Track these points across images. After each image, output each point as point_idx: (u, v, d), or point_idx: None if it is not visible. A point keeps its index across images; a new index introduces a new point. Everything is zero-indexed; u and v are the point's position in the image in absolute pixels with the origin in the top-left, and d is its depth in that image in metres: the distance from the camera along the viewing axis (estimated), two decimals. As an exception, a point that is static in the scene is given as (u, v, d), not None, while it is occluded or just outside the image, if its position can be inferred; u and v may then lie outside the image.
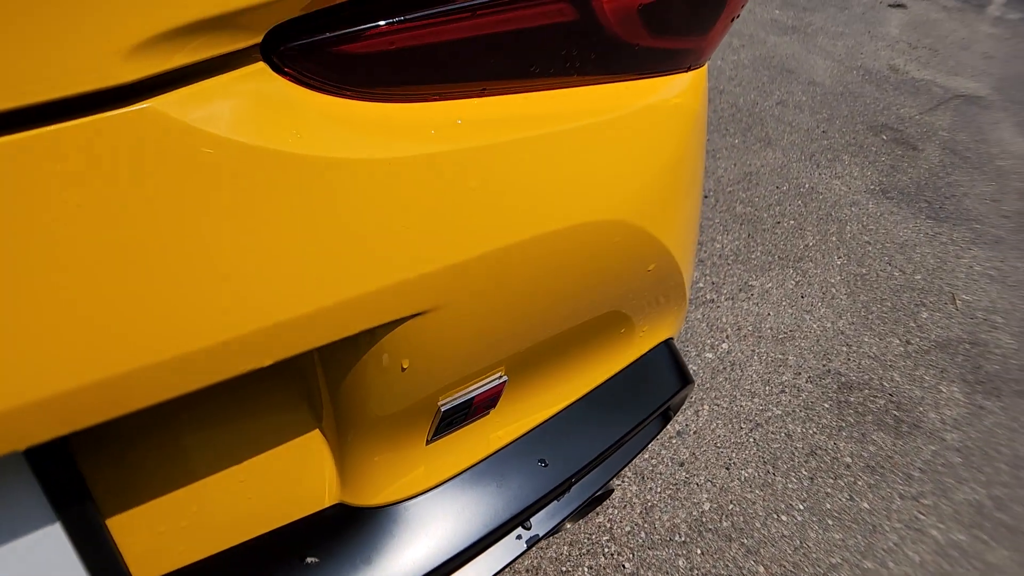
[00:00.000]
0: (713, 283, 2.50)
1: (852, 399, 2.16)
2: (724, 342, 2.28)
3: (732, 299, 2.45)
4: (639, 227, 0.73)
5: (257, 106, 0.47)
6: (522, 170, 0.61)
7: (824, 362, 2.27)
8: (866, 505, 1.85)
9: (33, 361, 0.41)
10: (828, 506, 1.83)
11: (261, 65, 0.48)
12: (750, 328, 2.35)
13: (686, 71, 0.80)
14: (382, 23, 0.51)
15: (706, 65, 0.87)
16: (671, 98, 0.77)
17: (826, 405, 2.12)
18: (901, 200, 3.19)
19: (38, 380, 0.42)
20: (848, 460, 1.96)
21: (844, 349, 2.33)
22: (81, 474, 0.58)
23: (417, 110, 0.56)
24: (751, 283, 2.54)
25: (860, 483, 1.91)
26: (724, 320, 2.36)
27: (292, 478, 0.73)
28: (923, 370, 2.31)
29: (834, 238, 2.86)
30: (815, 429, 2.04)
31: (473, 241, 0.58)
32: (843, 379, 2.22)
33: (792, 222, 2.90)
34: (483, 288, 0.61)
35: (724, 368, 2.19)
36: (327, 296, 0.51)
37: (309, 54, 0.50)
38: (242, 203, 0.46)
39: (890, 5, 5.99)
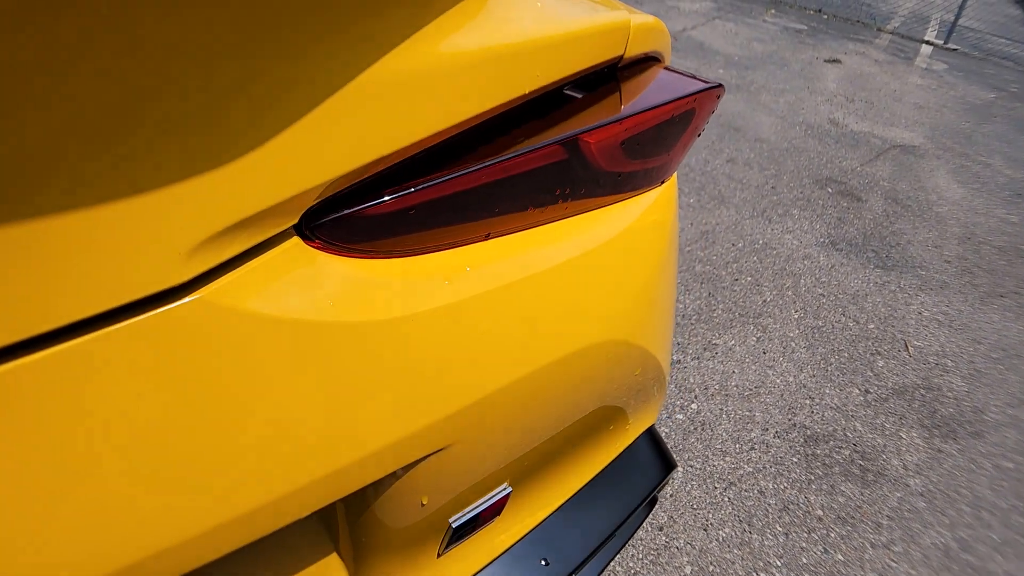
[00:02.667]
0: (679, 344, 2.59)
1: (819, 451, 2.25)
2: (693, 402, 2.36)
3: (698, 359, 2.54)
4: (629, 342, 0.81)
5: (291, 279, 0.53)
6: (527, 307, 0.68)
7: (789, 416, 2.36)
8: (840, 556, 1.92)
9: (92, 538, 0.46)
10: (804, 560, 1.90)
11: (295, 240, 0.55)
12: (717, 387, 2.44)
13: (660, 184, 0.89)
14: (399, 193, 0.59)
15: (675, 174, 0.97)
16: (649, 213, 0.85)
17: (794, 459, 2.21)
18: (850, 251, 3.35)
19: (97, 559, 0.46)
20: (820, 513, 2.04)
21: (807, 402, 2.43)
22: None
23: (432, 260, 0.63)
24: (715, 342, 2.64)
25: (833, 535, 1.98)
26: (692, 380, 2.45)
27: None
28: (883, 418, 2.42)
29: (790, 292, 2.99)
30: (786, 484, 2.12)
31: (486, 381, 0.65)
32: (808, 432, 2.31)
33: (749, 278, 3.03)
34: (493, 421, 0.68)
35: (695, 428, 2.26)
36: (363, 448, 0.57)
37: (335, 224, 0.56)
38: (287, 372, 0.52)
39: (826, 61, 6.32)
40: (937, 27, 8.48)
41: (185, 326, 0.47)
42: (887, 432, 2.36)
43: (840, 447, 2.27)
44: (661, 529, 1.92)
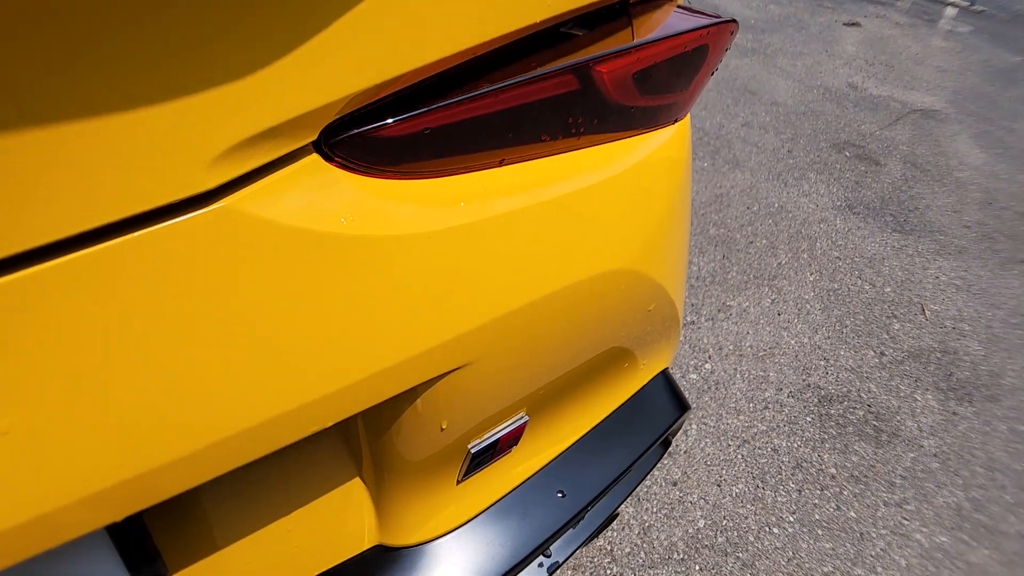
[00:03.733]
0: (693, 305, 2.59)
1: (833, 411, 2.24)
2: (707, 362, 2.36)
3: (712, 320, 2.54)
4: (642, 273, 0.81)
5: (312, 194, 0.54)
6: (542, 231, 0.68)
7: (804, 377, 2.36)
8: (853, 514, 1.93)
9: (122, 441, 0.47)
10: (817, 517, 1.90)
11: (314, 157, 0.55)
12: (731, 347, 2.43)
13: (673, 123, 0.88)
14: (416, 112, 0.59)
15: (689, 114, 0.96)
16: (662, 150, 0.85)
17: (808, 419, 2.21)
18: (867, 215, 3.32)
19: (123, 461, 0.47)
20: (833, 471, 2.05)
21: (822, 363, 2.43)
22: (152, 539, 0.63)
23: (448, 184, 0.63)
24: (729, 303, 2.63)
25: (846, 493, 1.99)
26: (706, 341, 2.44)
27: (335, 525, 0.79)
28: (898, 380, 2.41)
29: (805, 255, 2.96)
30: (799, 443, 2.12)
31: (502, 300, 0.65)
32: (823, 392, 2.31)
33: (764, 241, 3.01)
34: (510, 341, 0.68)
35: (709, 387, 2.27)
36: (383, 361, 0.57)
37: (354, 142, 0.56)
38: (306, 282, 0.52)
39: (845, 24, 6.20)
40: (960, -9, 8.30)
41: (209, 234, 0.48)
42: (902, 394, 2.35)
43: (854, 407, 2.27)
44: (675, 484, 1.93)
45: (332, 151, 0.55)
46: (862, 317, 2.67)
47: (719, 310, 2.59)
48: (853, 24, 6.24)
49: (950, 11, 7.26)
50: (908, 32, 6.26)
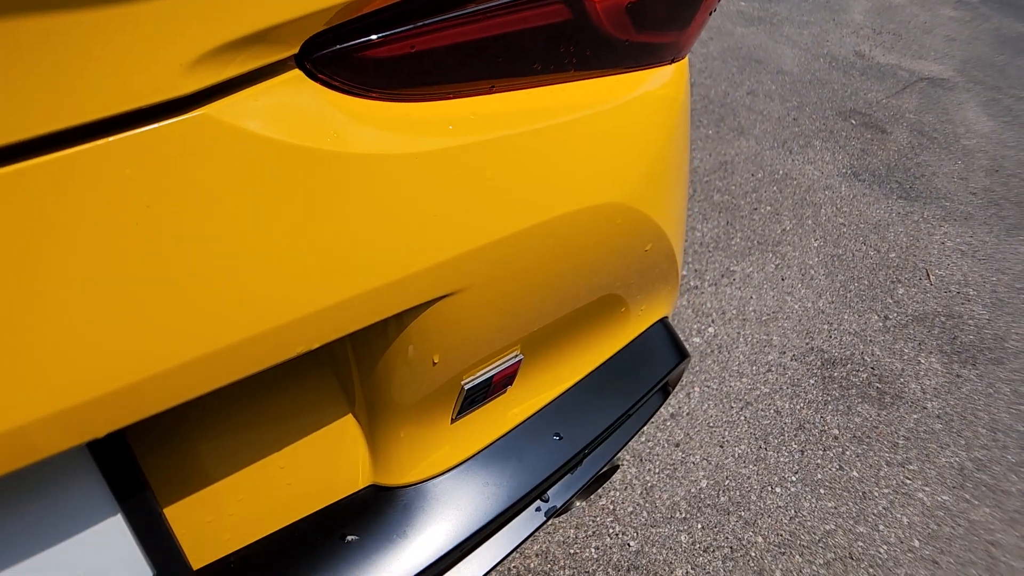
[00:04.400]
0: (696, 270, 2.58)
1: (836, 374, 2.24)
2: (710, 326, 2.36)
3: (715, 285, 2.53)
4: (637, 209, 0.80)
5: (295, 110, 0.53)
6: (533, 159, 0.67)
7: (807, 340, 2.35)
8: (855, 474, 1.93)
9: (95, 355, 0.46)
10: (819, 476, 1.91)
11: (296, 72, 0.54)
12: (734, 312, 2.43)
13: (670, 63, 0.87)
14: (401, 28, 0.58)
15: (687, 58, 0.95)
16: (659, 88, 0.84)
17: (811, 381, 2.21)
18: (873, 182, 3.30)
19: (99, 375, 0.47)
20: (836, 432, 2.05)
21: (826, 327, 2.42)
22: (140, 466, 0.63)
23: (436, 108, 0.62)
24: (732, 268, 2.62)
25: (848, 453, 1.99)
26: (709, 305, 2.44)
27: (328, 463, 0.79)
28: (902, 343, 2.40)
29: (810, 221, 2.95)
30: (802, 404, 2.12)
31: (493, 226, 0.64)
32: (826, 356, 2.31)
33: (769, 208, 2.99)
34: (501, 270, 0.68)
35: (712, 351, 2.26)
36: (369, 281, 0.57)
37: (338, 61, 0.56)
38: (288, 198, 0.52)
39: (852, -8, 6.12)
40: (970, -41, 8.18)
41: (186, 141, 0.47)
42: (906, 357, 2.35)
43: (858, 370, 2.27)
44: (677, 445, 1.94)
45: (316, 68, 0.55)
46: (866, 282, 2.66)
47: (723, 275, 2.58)
48: (860, -7, 6.16)
49: (959, -20, 7.15)
50: (917, 1, 6.17)
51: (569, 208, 0.71)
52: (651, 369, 1.02)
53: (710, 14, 0.90)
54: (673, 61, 0.88)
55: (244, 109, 0.50)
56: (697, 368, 2.19)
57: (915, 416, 2.14)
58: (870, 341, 2.39)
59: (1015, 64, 5.08)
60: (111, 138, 0.44)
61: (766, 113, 3.78)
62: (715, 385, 2.14)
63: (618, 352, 0.99)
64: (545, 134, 0.68)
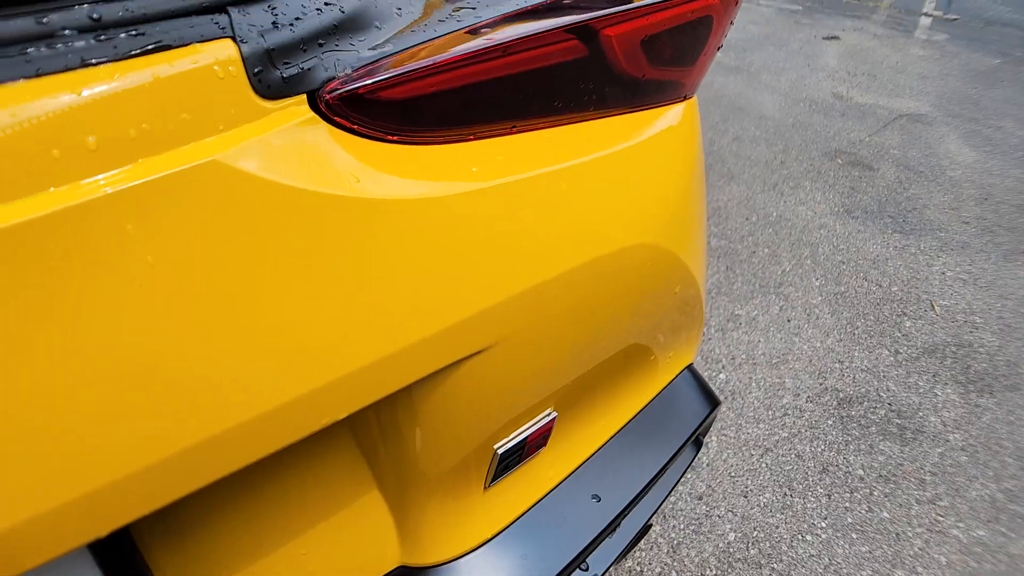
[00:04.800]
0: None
1: (853, 413, 2.20)
2: (721, 372, 2.32)
3: (722, 330, 2.50)
4: (666, 249, 0.78)
5: (311, 154, 0.50)
6: (559, 201, 0.65)
7: (820, 380, 2.32)
8: (886, 514, 1.87)
9: (95, 440, 0.42)
10: (850, 520, 1.85)
11: (311, 115, 0.51)
12: (743, 356, 2.39)
13: (682, 100, 0.87)
14: (415, 67, 0.56)
15: (695, 97, 0.95)
16: (676, 124, 0.83)
17: (829, 422, 2.16)
18: (866, 218, 3.31)
19: (101, 463, 0.42)
20: (861, 472, 1.99)
21: (837, 366, 2.38)
22: (144, 561, 0.58)
23: (457, 150, 0.60)
24: (737, 313, 2.60)
25: (876, 493, 1.93)
26: (718, 351, 2.40)
27: (353, 545, 0.74)
28: (916, 376, 2.37)
29: (809, 261, 2.94)
30: (823, 446, 2.07)
31: (521, 275, 0.62)
32: (841, 395, 2.27)
33: (766, 250, 2.99)
34: (532, 322, 0.65)
35: (725, 398, 2.22)
36: (396, 342, 0.53)
37: (354, 103, 0.53)
38: (305, 250, 0.48)
39: (824, 38, 6.28)
40: None
41: (196, 189, 0.44)
42: (921, 390, 2.31)
43: (875, 407, 2.22)
44: (700, 499, 1.88)
45: (331, 111, 0.52)
46: (872, 317, 2.64)
47: (728, 320, 2.55)
48: (832, 38, 6.32)
49: (924, 20, 7.36)
50: (886, 43, 6.33)
51: (598, 252, 0.69)
52: (684, 419, 0.98)
53: (717, 49, 0.91)
54: (685, 99, 0.87)
55: (257, 154, 0.47)
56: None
57: (939, 450, 2.09)
58: (884, 376, 2.35)
59: (988, 96, 5.18)
60: (115, 188, 0.41)
61: (753, 158, 3.82)
62: (732, 433, 2.09)
63: (649, 403, 0.96)
64: (570, 174, 0.66)
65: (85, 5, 0.41)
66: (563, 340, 0.71)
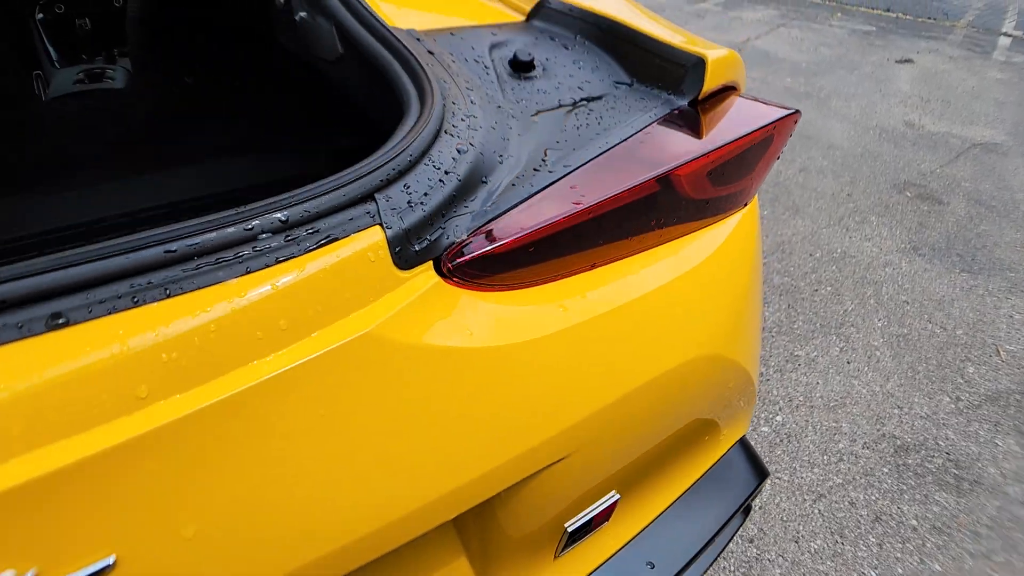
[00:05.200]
0: (760, 357, 2.60)
1: (910, 461, 2.22)
2: (778, 414, 2.37)
3: (780, 371, 2.55)
4: (725, 356, 0.89)
5: (437, 315, 0.63)
6: (632, 327, 0.77)
7: (878, 426, 2.35)
8: (938, 567, 1.90)
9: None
10: (900, 571, 1.89)
11: (437, 280, 0.64)
12: (801, 398, 2.44)
13: (744, 207, 0.96)
14: (520, 234, 0.68)
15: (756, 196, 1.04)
16: (736, 234, 0.93)
17: (885, 470, 2.19)
18: (933, 256, 3.29)
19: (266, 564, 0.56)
20: (914, 523, 2.02)
21: (896, 412, 2.41)
22: None
23: (548, 290, 0.72)
24: (796, 353, 2.64)
25: (929, 545, 1.96)
26: (775, 392, 2.46)
27: None
28: (977, 425, 2.37)
29: (872, 301, 2.96)
30: (877, 494, 2.11)
31: (598, 395, 0.74)
32: (898, 442, 2.29)
33: (829, 288, 3.01)
34: (605, 431, 0.77)
35: (780, 440, 2.27)
36: (498, 459, 0.66)
37: (468, 264, 0.66)
38: (435, 392, 0.62)
39: (897, 61, 6.19)
40: (1016, 17, 8.17)
41: (357, 354, 0.57)
42: (981, 440, 2.32)
43: (932, 456, 2.24)
44: (751, 542, 1.94)
45: (451, 273, 0.65)
46: (935, 362, 2.64)
47: (787, 361, 2.60)
48: (906, 61, 6.22)
49: (1004, 41, 7.16)
50: (962, 65, 6.20)
51: (665, 368, 0.80)
52: (734, 491, 1.07)
53: (776, 159, 1.00)
54: (745, 204, 0.97)
55: (399, 322, 0.60)
56: (767, 459, 2.20)
57: (996, 503, 2.10)
58: (943, 424, 2.37)
59: (1072, 124, 5.04)
60: (300, 360, 0.54)
61: (820, 190, 3.83)
62: (786, 477, 2.15)
63: (702, 476, 1.06)
64: (640, 303, 0.78)
65: (277, 212, 0.55)
66: (628, 441, 0.82)
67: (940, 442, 2.30)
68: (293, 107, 2.22)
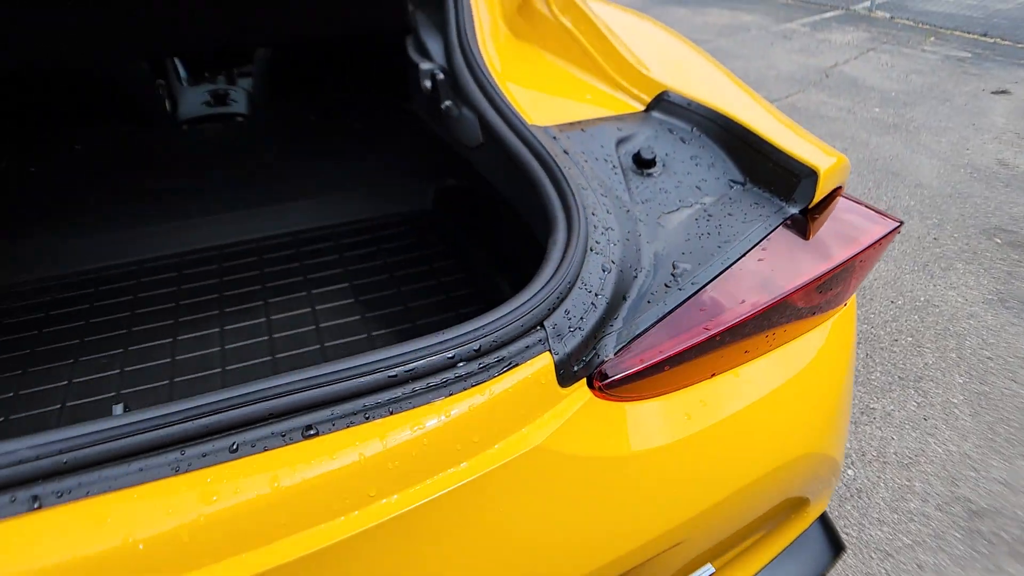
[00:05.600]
0: (834, 406, 2.62)
1: (983, 528, 2.22)
2: (849, 468, 2.39)
3: (855, 423, 2.56)
4: (823, 453, 0.98)
5: (590, 426, 0.75)
6: (745, 430, 0.88)
7: (952, 488, 2.34)
8: (1006, 641, 1.91)
9: None
10: (967, 642, 1.90)
11: (590, 396, 0.76)
12: (874, 453, 2.45)
13: (843, 306, 1.04)
14: (662, 357, 0.79)
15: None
16: (837, 331, 1.01)
17: (957, 534, 2.19)
18: (1021, 310, 3.23)
19: None
20: (984, 593, 2.03)
21: (971, 474, 2.40)
22: None
23: (675, 399, 0.83)
24: (872, 406, 2.64)
25: (998, 618, 1.96)
26: (848, 445, 2.47)
27: None
28: (1056, 495, 2.34)
29: (953, 355, 2.93)
30: (947, 560, 2.11)
31: (717, 490, 0.85)
32: (972, 506, 2.29)
33: (909, 339, 2.99)
34: (715, 522, 0.88)
35: (851, 495, 2.30)
36: (632, 543, 0.79)
37: (620, 382, 0.77)
38: (588, 494, 0.74)
39: (993, 92, 6.00)
40: None
41: (530, 464, 0.70)
42: (1060, 511, 2.29)
43: (1007, 525, 2.23)
44: (817, 598, 1.98)
45: (600, 389, 0.77)
46: (1016, 424, 2.61)
47: (862, 413, 2.61)
48: (1002, 92, 6.03)
49: (1114, 72, 6.84)
50: (1066, 99, 5.97)
51: (772, 467, 0.90)
52: (812, 562, 1.15)
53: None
54: (844, 304, 1.04)
55: (561, 434, 0.72)
56: (836, 514, 2.23)
57: (1072, 579, 2.08)
58: (1021, 492, 2.35)
59: None
60: (492, 468, 0.67)
61: (905, 232, 3.78)
62: (854, 533, 2.17)
63: (784, 550, 1.14)
64: (752, 408, 0.88)
65: (472, 343, 0.67)
66: (731, 525, 0.93)
67: (1017, 510, 2.28)
68: (406, 151, 2.35)
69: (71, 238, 2.06)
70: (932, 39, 7.61)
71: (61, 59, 1.54)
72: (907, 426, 2.56)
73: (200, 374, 1.65)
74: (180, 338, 1.77)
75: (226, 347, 1.73)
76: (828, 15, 8.57)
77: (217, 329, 1.80)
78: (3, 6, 1.36)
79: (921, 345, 2.97)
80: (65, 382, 1.62)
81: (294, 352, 1.72)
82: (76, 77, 2.00)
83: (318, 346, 1.73)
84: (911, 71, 6.46)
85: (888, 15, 8.50)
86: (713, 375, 0.86)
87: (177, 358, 1.70)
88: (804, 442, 0.94)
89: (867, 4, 8.86)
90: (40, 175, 2.13)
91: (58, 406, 1.56)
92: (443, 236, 2.24)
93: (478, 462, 0.68)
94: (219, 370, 1.66)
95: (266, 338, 1.76)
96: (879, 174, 4.41)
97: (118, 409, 0.73)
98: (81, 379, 1.63)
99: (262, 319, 1.83)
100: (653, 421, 0.80)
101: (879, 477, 2.36)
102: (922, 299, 3.25)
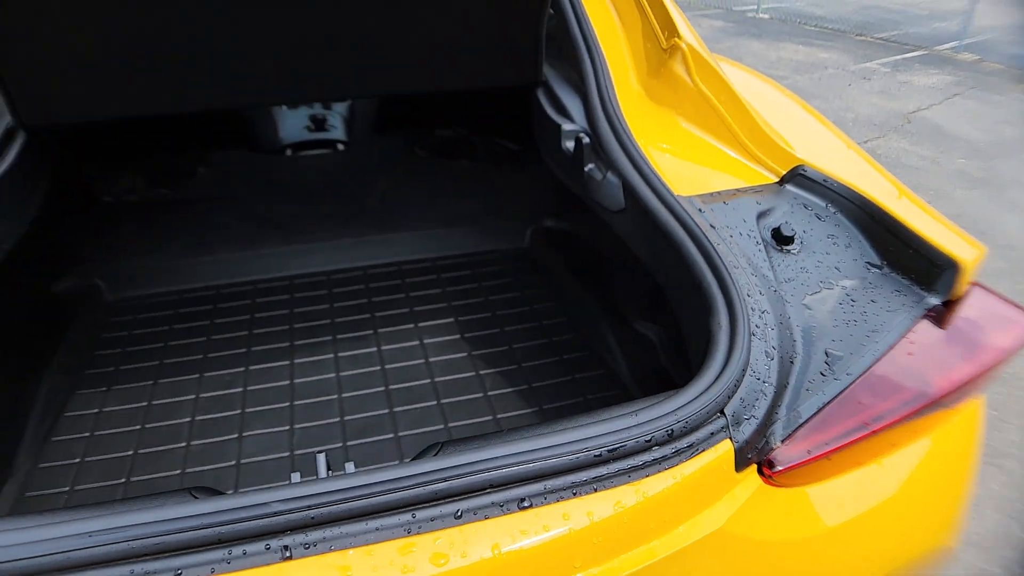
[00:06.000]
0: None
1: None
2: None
3: (934, 499, 2.50)
4: (949, 546, 1.00)
5: (762, 511, 0.80)
6: (889, 520, 0.93)
7: (1036, 577, 2.27)
8: None
9: None
10: None
11: (760, 483, 0.81)
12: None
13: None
14: (824, 449, 0.84)
15: None
16: (968, 422, 1.07)
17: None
18: (1114, 388, 3.10)
19: None
20: None
21: (1058, 564, 2.32)
22: None
23: (826, 487, 0.89)
24: (953, 482, 2.57)
25: None
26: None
27: None
28: None
29: (1041, 432, 2.83)
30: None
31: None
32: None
33: (994, 413, 2.91)
34: None
35: None
36: None
37: (784, 471, 0.82)
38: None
39: (1088, 148, 5.78)
40: None
41: (711, 546, 0.77)
42: None
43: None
44: None
45: (769, 475, 0.82)
46: (1106, 512, 2.51)
47: (941, 489, 2.54)
48: (1097, 148, 5.80)
49: None
50: None
51: (908, 559, 0.95)
52: None
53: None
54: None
55: (739, 518, 0.78)
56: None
57: None
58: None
59: None
60: (679, 548, 0.75)
61: (989, 296, 3.66)
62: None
63: None
64: (893, 500, 0.92)
65: (668, 427, 0.71)
66: None
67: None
68: (504, 188, 2.40)
69: (189, 257, 2.18)
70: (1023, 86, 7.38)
71: (196, 105, 1.64)
72: (989, 507, 2.49)
73: (319, 399, 1.75)
74: (297, 361, 1.86)
75: (341, 374, 1.80)
76: (910, 55, 8.35)
77: (331, 355, 1.89)
78: (152, 67, 1.45)
79: (1006, 421, 2.88)
80: (192, 396, 1.74)
81: (406, 384, 1.79)
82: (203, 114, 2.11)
83: (428, 380, 1.80)
84: (1000, 121, 6.26)
85: (976, 57, 8.25)
86: (859, 464, 0.90)
87: (296, 381, 1.79)
88: (941, 535, 0.98)
89: (953, 45, 8.58)
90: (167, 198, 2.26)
91: (188, 419, 1.68)
92: (542, 276, 2.28)
93: (667, 541, 0.73)
94: (335, 396, 1.75)
95: (378, 368, 1.83)
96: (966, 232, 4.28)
97: (350, 467, 0.82)
98: (207, 394, 1.74)
99: (373, 348, 1.91)
100: (810, 508, 0.86)
101: (957, 559, 2.29)
102: (1010, 371, 3.15)
